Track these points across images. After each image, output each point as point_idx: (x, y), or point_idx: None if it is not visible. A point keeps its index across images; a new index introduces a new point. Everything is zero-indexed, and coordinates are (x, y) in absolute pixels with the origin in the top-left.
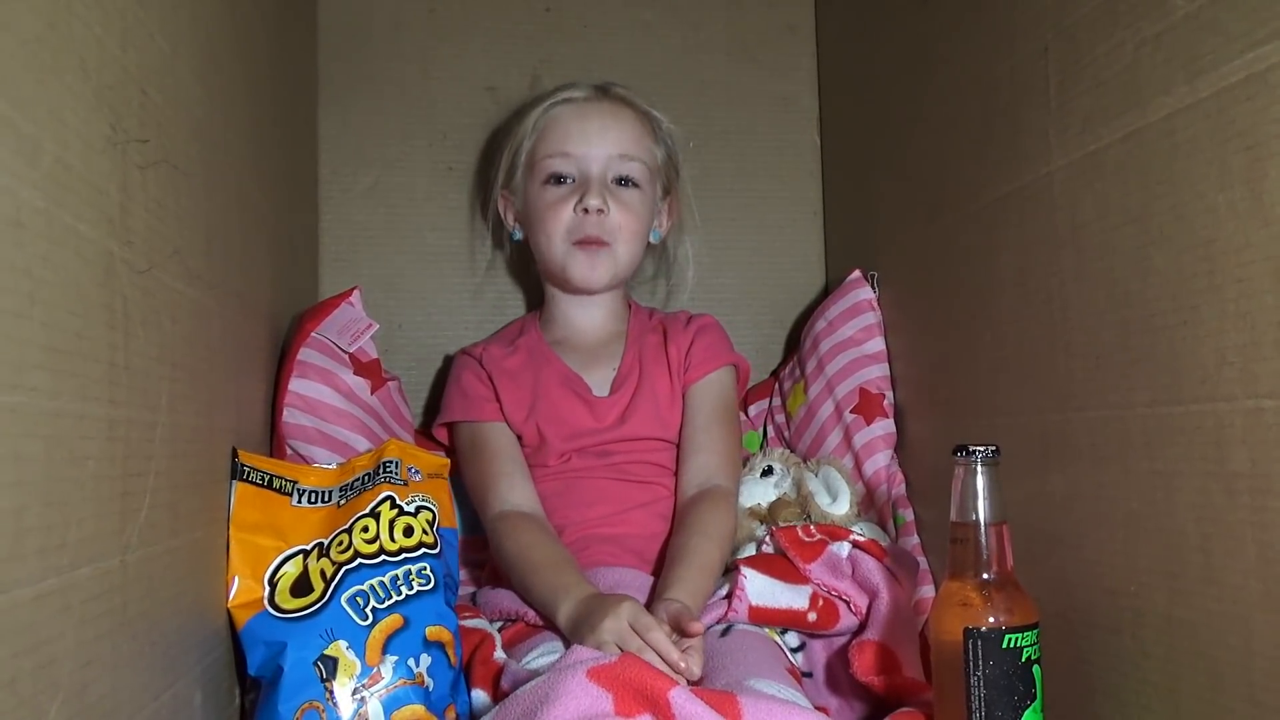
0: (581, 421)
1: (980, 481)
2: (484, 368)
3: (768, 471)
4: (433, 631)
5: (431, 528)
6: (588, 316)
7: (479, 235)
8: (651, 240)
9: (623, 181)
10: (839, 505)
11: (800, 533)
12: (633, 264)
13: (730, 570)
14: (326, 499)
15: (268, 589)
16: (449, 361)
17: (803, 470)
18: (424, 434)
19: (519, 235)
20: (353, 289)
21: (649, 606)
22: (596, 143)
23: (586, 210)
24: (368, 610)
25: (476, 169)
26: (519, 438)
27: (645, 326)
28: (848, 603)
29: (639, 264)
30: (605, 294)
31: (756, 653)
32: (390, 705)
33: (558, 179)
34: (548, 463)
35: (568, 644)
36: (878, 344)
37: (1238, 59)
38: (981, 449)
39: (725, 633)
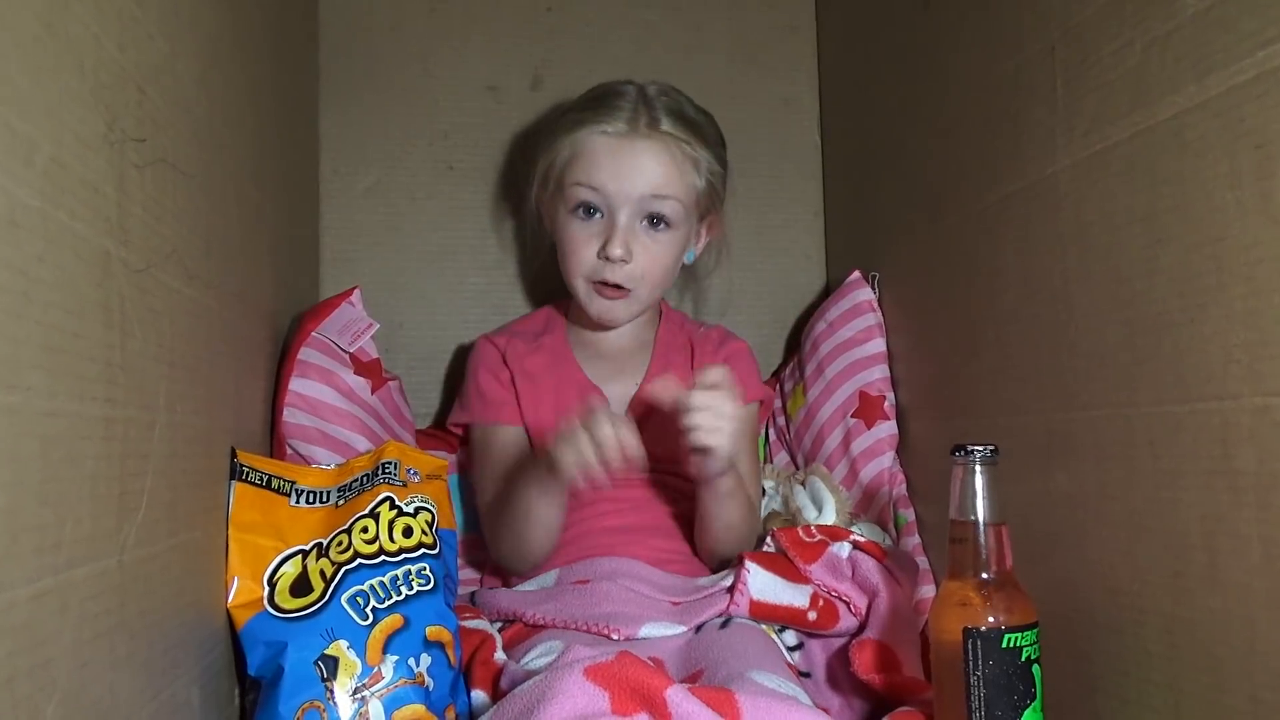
0: None
1: (979, 481)
2: (506, 365)
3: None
4: (433, 631)
5: (431, 529)
6: (613, 330)
7: (482, 234)
8: (686, 261)
9: (655, 221)
10: (824, 518)
11: (801, 533)
12: (656, 298)
13: (735, 563)
14: (324, 499)
15: (267, 589)
16: (450, 361)
17: (791, 484)
18: (425, 434)
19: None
20: (353, 288)
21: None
22: (628, 183)
23: (609, 258)
24: (368, 610)
25: (478, 168)
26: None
27: (674, 338)
28: (847, 604)
29: (665, 292)
30: None
31: (756, 645)
32: (391, 705)
33: (586, 210)
34: None
35: (567, 644)
36: (878, 345)
37: (1248, 58)
38: (980, 448)
39: (724, 625)
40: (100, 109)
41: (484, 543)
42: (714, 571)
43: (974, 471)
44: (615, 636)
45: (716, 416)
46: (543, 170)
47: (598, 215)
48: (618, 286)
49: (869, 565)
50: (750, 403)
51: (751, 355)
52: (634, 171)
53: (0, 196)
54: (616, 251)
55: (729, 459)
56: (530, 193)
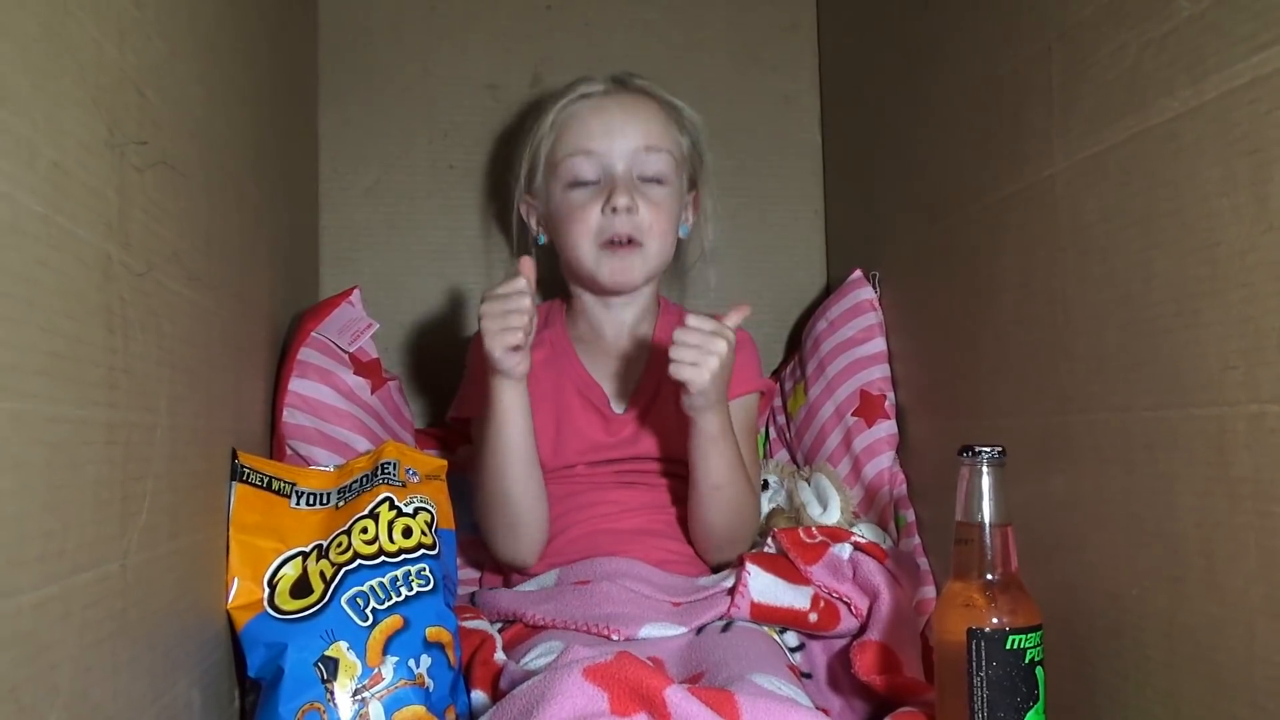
0: (596, 437)
1: (986, 482)
2: None
3: (764, 486)
4: (433, 632)
5: (430, 529)
6: (615, 318)
7: (482, 234)
8: (680, 235)
9: (649, 180)
10: (829, 515)
11: (802, 534)
12: (664, 260)
13: (735, 565)
14: (325, 501)
15: (267, 590)
16: (450, 361)
17: (795, 480)
18: (424, 433)
19: (544, 239)
20: (353, 288)
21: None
22: (619, 137)
23: (615, 209)
24: (368, 611)
25: (478, 167)
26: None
27: (673, 331)
28: (848, 605)
29: (670, 259)
30: (636, 292)
31: (757, 648)
32: (391, 706)
33: (582, 182)
34: (555, 468)
35: (566, 644)
36: (879, 344)
37: (1242, 62)
38: (988, 450)
39: (726, 628)
40: (101, 112)
41: (483, 543)
42: (714, 570)
43: (981, 473)
44: (615, 637)
45: (702, 352)
46: (529, 163)
47: (594, 185)
48: (629, 242)
49: (870, 566)
50: (749, 393)
51: (753, 345)
52: (623, 125)
53: (3, 203)
54: (622, 200)
55: (711, 399)
56: (515, 195)
